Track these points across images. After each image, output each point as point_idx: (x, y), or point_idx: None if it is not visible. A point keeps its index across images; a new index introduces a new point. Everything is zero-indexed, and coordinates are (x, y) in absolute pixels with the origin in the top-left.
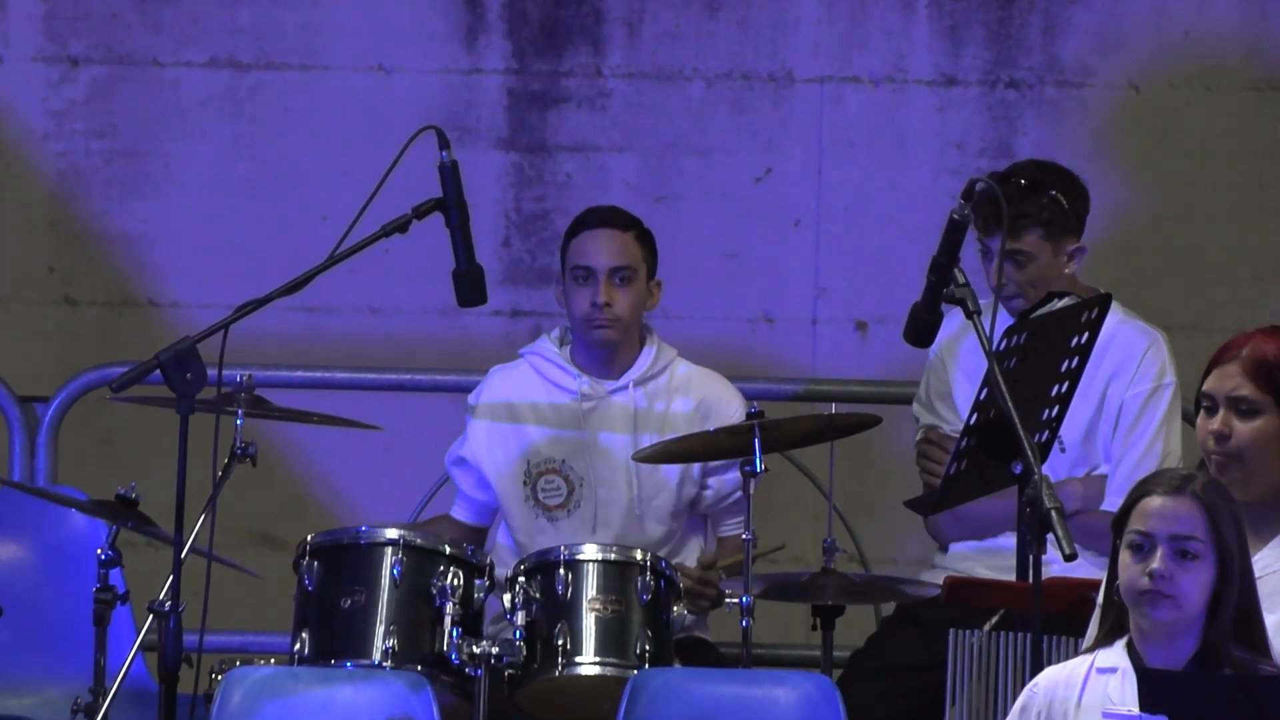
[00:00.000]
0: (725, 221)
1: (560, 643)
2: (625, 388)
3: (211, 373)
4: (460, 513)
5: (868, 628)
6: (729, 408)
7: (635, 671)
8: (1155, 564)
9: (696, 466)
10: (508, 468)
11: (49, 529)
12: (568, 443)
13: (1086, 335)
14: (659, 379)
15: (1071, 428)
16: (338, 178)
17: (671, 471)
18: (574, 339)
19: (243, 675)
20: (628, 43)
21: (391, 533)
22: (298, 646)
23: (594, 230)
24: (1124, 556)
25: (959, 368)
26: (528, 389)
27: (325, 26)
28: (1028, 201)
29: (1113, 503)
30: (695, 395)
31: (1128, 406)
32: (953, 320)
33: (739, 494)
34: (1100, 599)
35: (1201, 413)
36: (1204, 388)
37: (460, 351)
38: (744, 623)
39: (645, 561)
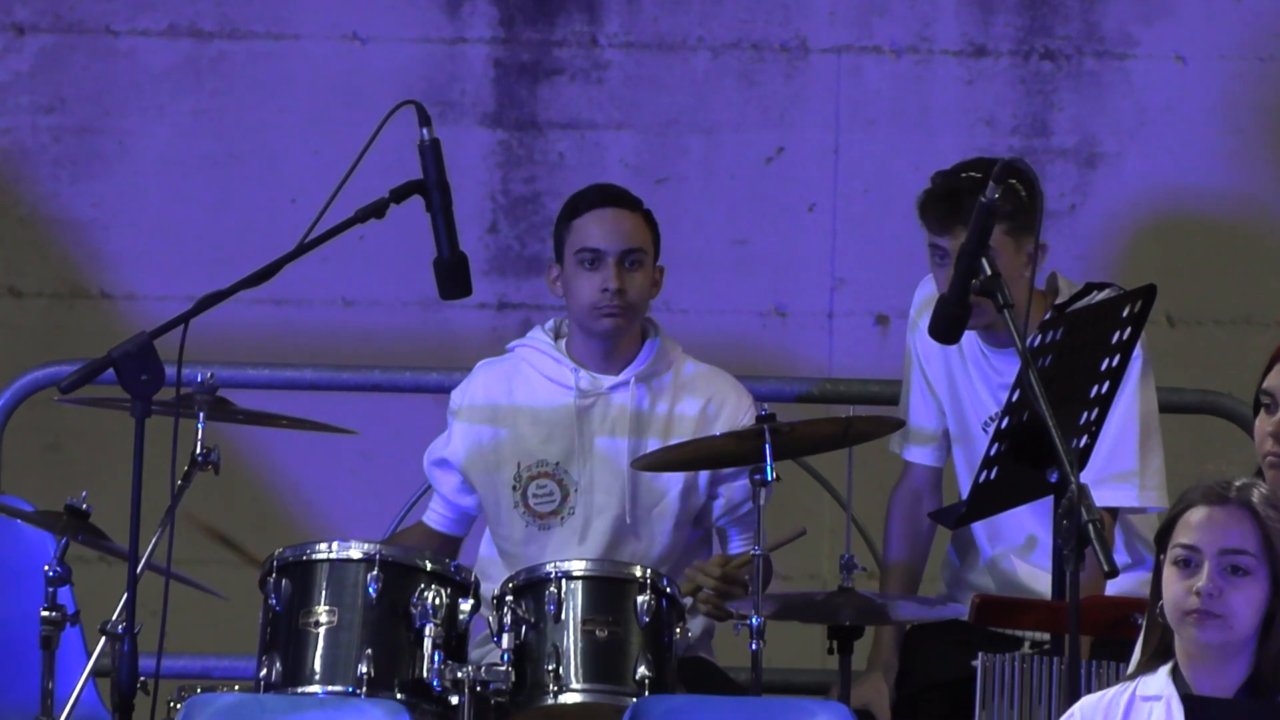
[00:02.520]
0: (733, 206)
1: (551, 667)
2: (625, 384)
3: (170, 371)
4: (435, 520)
5: None
6: (739, 409)
7: (634, 699)
8: (1203, 581)
9: (703, 474)
10: (496, 471)
11: None
12: (562, 444)
13: (1129, 331)
14: (663, 377)
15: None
16: (308, 157)
17: (674, 478)
18: (572, 330)
19: (204, 703)
20: (626, 9)
21: (367, 547)
22: (264, 672)
23: (601, 210)
24: (1168, 573)
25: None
26: (518, 385)
27: None
28: (972, 197)
29: (1100, 498)
30: (702, 395)
31: None
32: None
33: (750, 505)
34: (1144, 621)
35: (1260, 411)
36: (1264, 385)
37: (442, 348)
38: (754, 645)
39: (645, 578)
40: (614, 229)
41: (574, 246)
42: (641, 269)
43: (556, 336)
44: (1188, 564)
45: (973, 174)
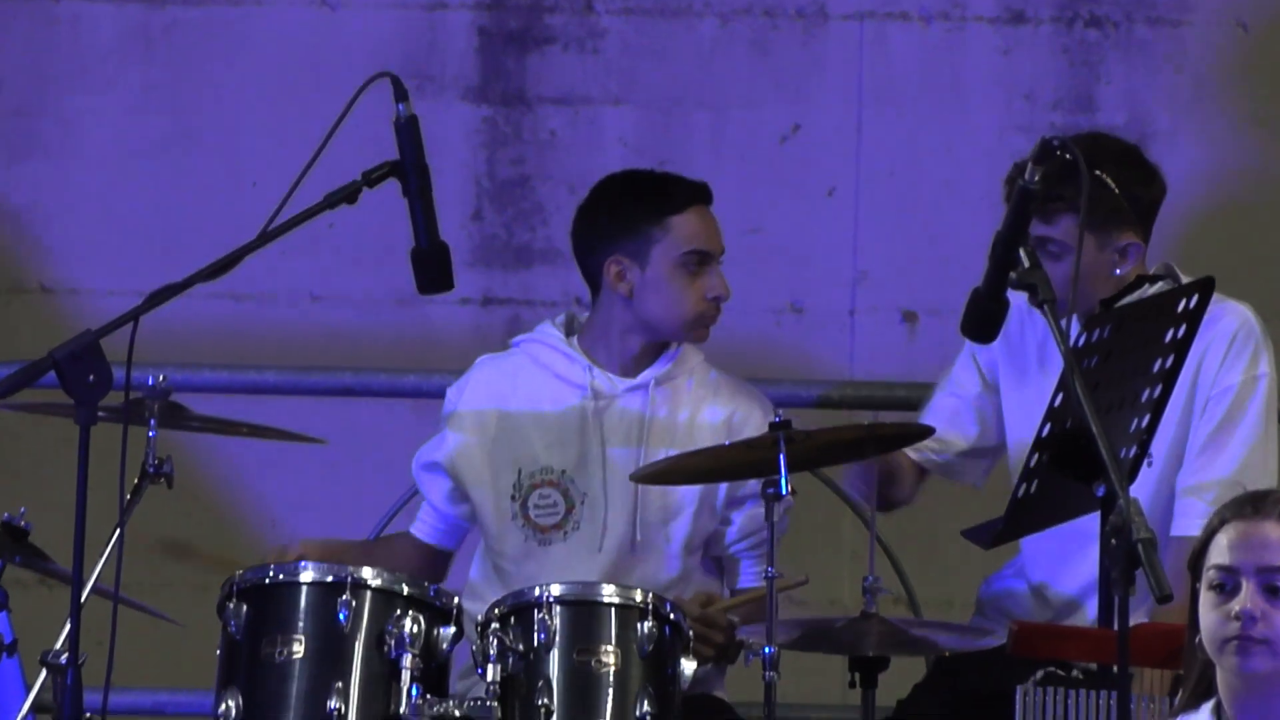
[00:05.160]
0: (744, 190)
1: (542, 702)
2: (643, 387)
3: (118, 374)
4: (424, 530)
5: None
6: (764, 427)
7: None
8: (1242, 603)
9: (721, 493)
10: (495, 478)
11: None
12: (570, 450)
13: (1184, 328)
14: (682, 383)
15: (1159, 435)
16: (271, 136)
17: (689, 495)
18: (601, 328)
19: None
20: None
21: (338, 569)
22: (223, 708)
23: (702, 206)
24: (1205, 599)
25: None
26: (524, 383)
27: None
28: (1064, 180)
29: (1198, 526)
30: (725, 406)
31: (1213, 404)
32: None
33: (765, 534)
34: (1185, 654)
35: None
36: None
37: (420, 348)
38: (767, 677)
39: (646, 604)
40: (716, 228)
41: (679, 247)
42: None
43: (568, 332)
44: (1224, 587)
45: (1063, 153)
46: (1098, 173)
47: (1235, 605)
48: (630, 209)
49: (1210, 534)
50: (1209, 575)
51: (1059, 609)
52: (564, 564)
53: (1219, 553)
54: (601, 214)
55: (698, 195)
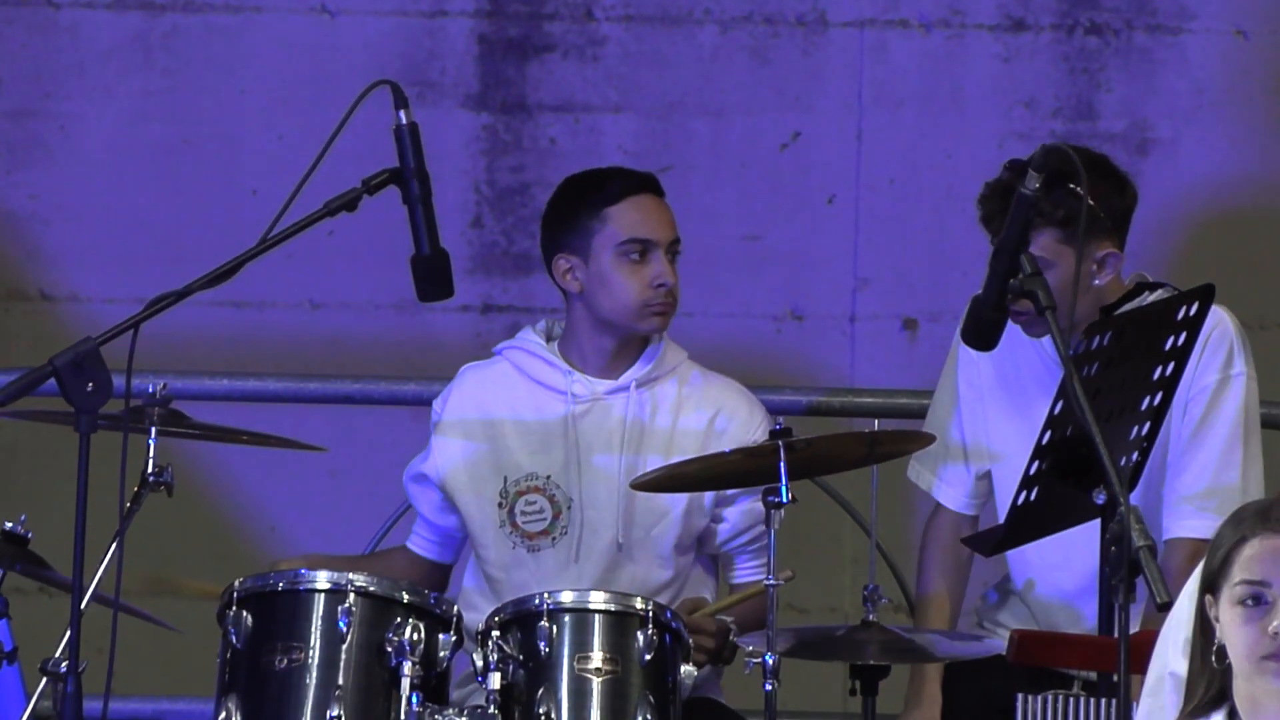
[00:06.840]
0: (744, 197)
1: (543, 710)
2: (625, 389)
3: (118, 382)
4: (419, 545)
5: None
6: (751, 424)
7: None
8: (1278, 620)
9: (708, 494)
10: (481, 486)
11: None
12: (554, 456)
13: (1184, 335)
14: (666, 384)
15: None
16: (272, 143)
17: (677, 497)
18: (578, 331)
19: None
20: None
21: (338, 577)
22: (223, 715)
23: (642, 196)
24: (1232, 614)
25: (993, 376)
26: (507, 390)
27: None
28: (1043, 195)
29: (1183, 528)
30: (710, 407)
31: (1192, 406)
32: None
33: (760, 529)
34: (1183, 669)
35: None
36: None
37: (421, 355)
38: (767, 686)
39: (646, 611)
40: (660, 217)
41: (616, 237)
42: (676, 260)
43: (548, 338)
44: (1258, 601)
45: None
46: (1071, 185)
47: (1271, 621)
48: (570, 206)
49: (1234, 545)
50: (1237, 590)
51: (1052, 618)
52: (554, 570)
53: (1248, 566)
54: (549, 216)
55: (636, 186)
